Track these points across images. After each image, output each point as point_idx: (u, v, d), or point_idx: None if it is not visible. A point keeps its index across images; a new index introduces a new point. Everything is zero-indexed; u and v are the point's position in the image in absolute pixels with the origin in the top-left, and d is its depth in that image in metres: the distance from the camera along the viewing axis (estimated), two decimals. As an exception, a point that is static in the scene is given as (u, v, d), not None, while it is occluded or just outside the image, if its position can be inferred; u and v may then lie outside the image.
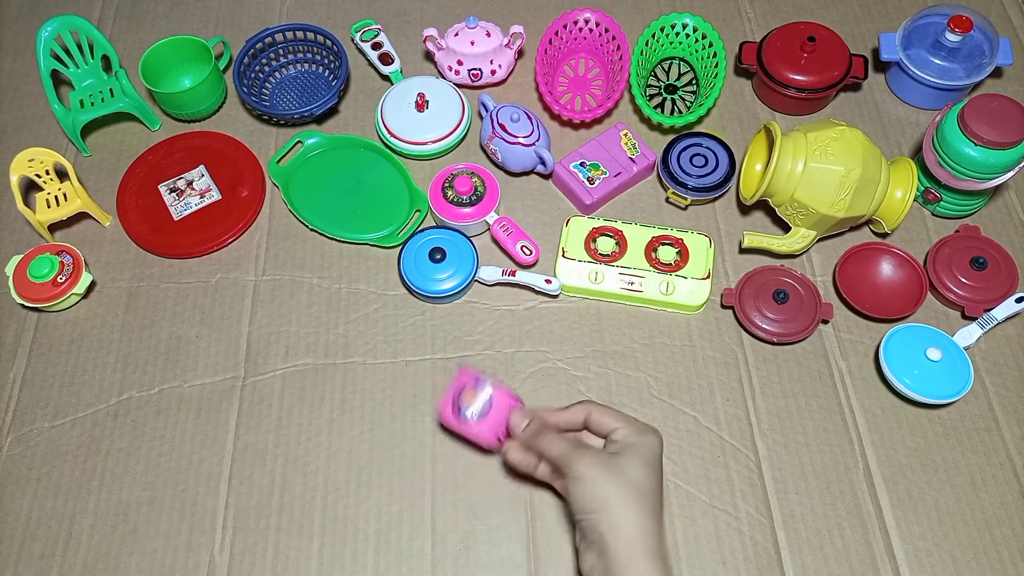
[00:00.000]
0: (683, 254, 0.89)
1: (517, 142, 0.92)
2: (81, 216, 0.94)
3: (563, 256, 0.90)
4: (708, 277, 0.88)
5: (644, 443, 0.65)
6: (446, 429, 0.80)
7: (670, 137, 0.98)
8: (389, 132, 0.97)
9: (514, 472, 0.77)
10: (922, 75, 0.97)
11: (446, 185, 0.92)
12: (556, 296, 0.90)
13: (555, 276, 0.89)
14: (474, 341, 0.88)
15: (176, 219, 0.95)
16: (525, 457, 0.70)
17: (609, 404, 0.83)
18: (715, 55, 0.98)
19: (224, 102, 1.04)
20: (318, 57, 1.05)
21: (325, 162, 0.98)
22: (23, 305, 0.88)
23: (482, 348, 0.87)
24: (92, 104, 0.98)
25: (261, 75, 1.03)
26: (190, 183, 0.97)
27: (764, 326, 0.85)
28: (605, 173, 0.94)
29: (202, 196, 0.96)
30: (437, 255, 0.87)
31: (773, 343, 0.86)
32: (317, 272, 0.92)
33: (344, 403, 0.84)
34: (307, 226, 0.94)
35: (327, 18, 1.11)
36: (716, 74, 0.97)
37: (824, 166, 0.83)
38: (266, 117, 1.01)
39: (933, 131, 0.89)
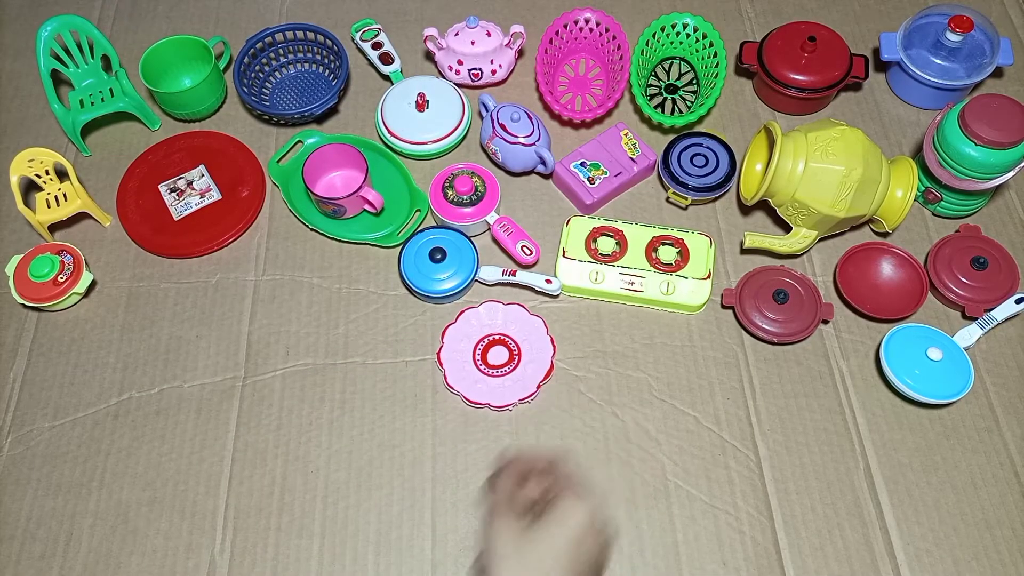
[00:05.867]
0: (683, 254, 0.89)
1: (517, 142, 0.92)
2: (81, 216, 0.94)
3: (563, 256, 0.90)
4: (708, 277, 0.88)
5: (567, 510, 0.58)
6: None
7: (670, 137, 0.98)
8: (389, 132, 0.97)
9: None
10: (923, 75, 0.97)
11: (446, 185, 0.92)
12: (556, 296, 0.90)
13: (555, 276, 0.88)
14: (474, 341, 0.88)
15: (176, 219, 0.95)
16: None
17: (610, 404, 0.83)
18: (716, 55, 0.98)
19: (224, 102, 1.04)
20: (318, 57, 1.05)
21: (325, 162, 0.98)
22: (23, 305, 0.88)
23: (482, 348, 0.87)
24: (92, 104, 0.98)
25: (261, 75, 1.03)
26: (190, 183, 0.97)
27: (764, 326, 0.85)
28: (605, 173, 0.94)
29: (202, 196, 0.96)
30: (437, 255, 0.87)
31: (773, 343, 0.86)
32: (317, 272, 0.92)
33: (344, 403, 0.84)
34: (307, 226, 0.94)
35: (327, 18, 1.11)
36: (717, 74, 0.97)
37: (825, 166, 0.83)
38: (266, 117, 1.01)
39: (934, 131, 0.89)
